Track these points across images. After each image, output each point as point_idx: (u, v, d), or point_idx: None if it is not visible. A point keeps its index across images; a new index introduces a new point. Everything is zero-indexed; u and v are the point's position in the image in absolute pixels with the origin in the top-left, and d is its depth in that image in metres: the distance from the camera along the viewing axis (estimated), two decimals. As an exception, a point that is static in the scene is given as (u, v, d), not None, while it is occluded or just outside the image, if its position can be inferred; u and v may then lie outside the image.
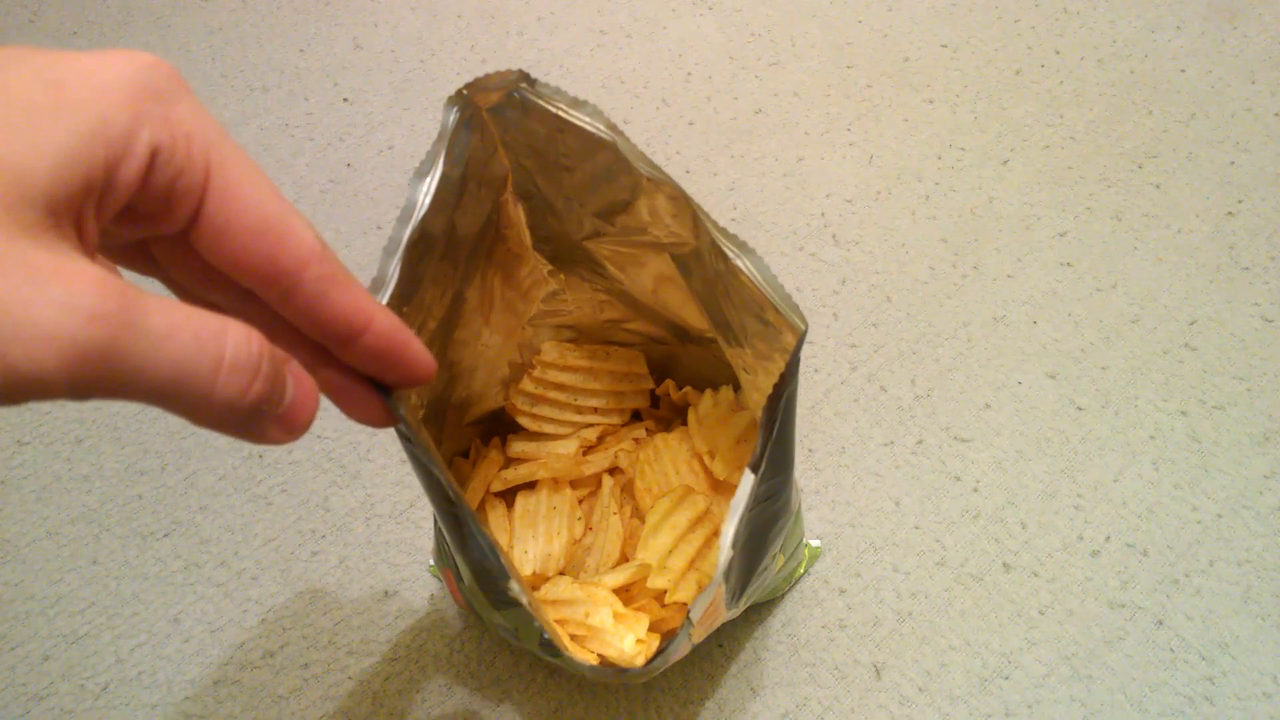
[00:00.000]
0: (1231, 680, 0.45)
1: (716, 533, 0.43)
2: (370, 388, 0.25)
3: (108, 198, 0.17)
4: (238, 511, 0.52)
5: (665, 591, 0.40)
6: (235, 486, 0.53)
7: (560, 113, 0.32)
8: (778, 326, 0.32)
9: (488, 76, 0.31)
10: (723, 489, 0.44)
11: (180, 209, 0.19)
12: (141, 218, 0.19)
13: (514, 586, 0.30)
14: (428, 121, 0.71)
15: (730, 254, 0.32)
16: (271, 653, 0.47)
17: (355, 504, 0.52)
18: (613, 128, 0.32)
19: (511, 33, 0.78)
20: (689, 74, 0.74)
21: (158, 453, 0.54)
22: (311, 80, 0.75)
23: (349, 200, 0.66)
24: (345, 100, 0.73)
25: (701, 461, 0.45)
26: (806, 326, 0.31)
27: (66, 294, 0.15)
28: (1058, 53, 0.74)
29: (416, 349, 0.24)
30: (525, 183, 0.37)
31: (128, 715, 0.45)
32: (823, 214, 0.64)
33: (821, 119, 0.70)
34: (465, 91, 0.31)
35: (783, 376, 0.31)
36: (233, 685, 0.46)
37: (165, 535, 0.51)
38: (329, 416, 0.55)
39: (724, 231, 0.31)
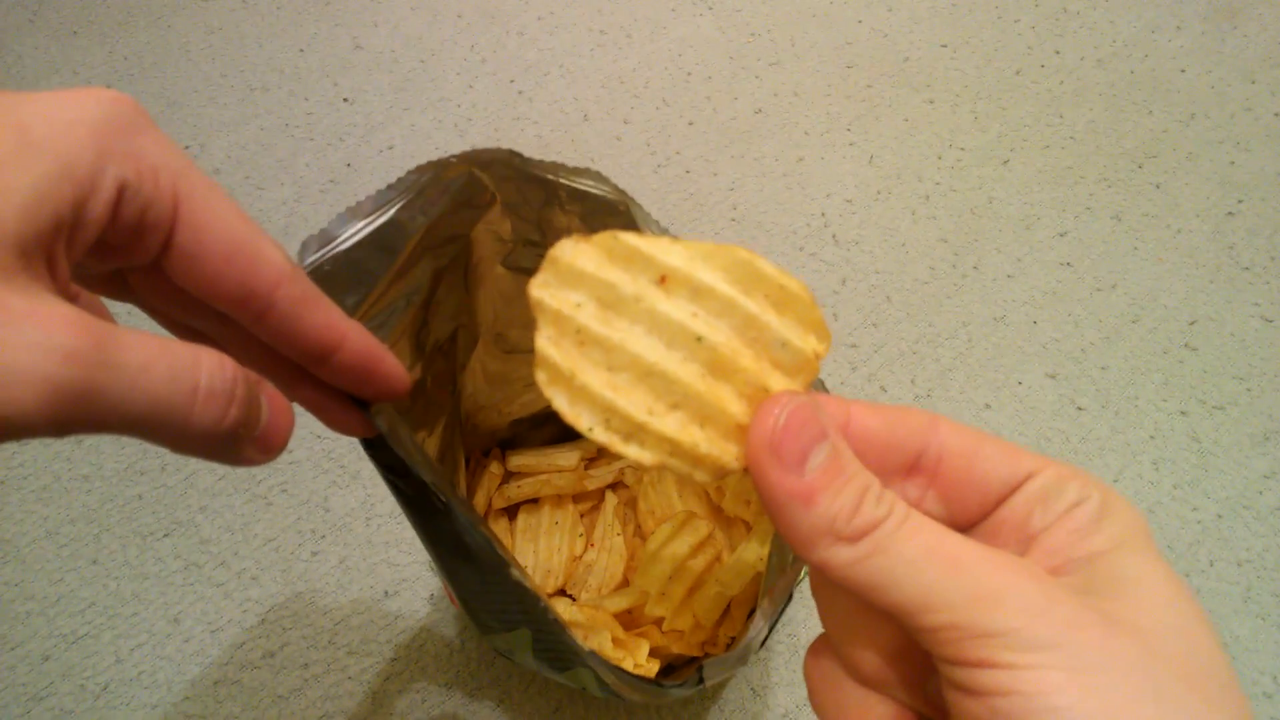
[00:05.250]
0: (1231, 680, 0.45)
1: (718, 558, 0.43)
2: (349, 402, 0.25)
3: (78, 235, 0.17)
4: (238, 511, 0.52)
5: (664, 619, 0.40)
6: (235, 486, 0.53)
7: (564, 180, 0.32)
8: None
9: (477, 150, 0.31)
10: (731, 521, 0.44)
11: (151, 240, 0.19)
12: (113, 250, 0.19)
13: (514, 573, 0.30)
14: (428, 121, 0.71)
15: None
16: (271, 653, 0.47)
17: (355, 504, 0.52)
18: (619, 192, 0.32)
19: (511, 33, 0.78)
20: (689, 74, 0.74)
21: (158, 453, 0.54)
22: (311, 80, 0.75)
23: (349, 200, 0.66)
24: (345, 100, 0.73)
25: (708, 495, 0.44)
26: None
27: (42, 335, 0.15)
28: (1058, 53, 0.74)
29: (390, 364, 0.24)
30: (528, 238, 0.36)
31: (128, 715, 0.45)
32: (823, 214, 0.64)
33: (821, 119, 0.70)
34: (453, 159, 0.30)
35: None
36: (233, 685, 0.46)
37: (165, 535, 0.51)
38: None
39: None
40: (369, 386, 0.24)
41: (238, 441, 0.19)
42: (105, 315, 0.22)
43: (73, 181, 0.17)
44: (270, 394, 0.21)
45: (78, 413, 0.16)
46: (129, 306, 0.23)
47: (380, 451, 0.28)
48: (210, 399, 0.18)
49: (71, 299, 0.17)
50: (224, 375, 0.18)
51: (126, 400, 0.16)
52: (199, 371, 0.18)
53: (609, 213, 0.33)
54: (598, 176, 0.32)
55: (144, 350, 0.17)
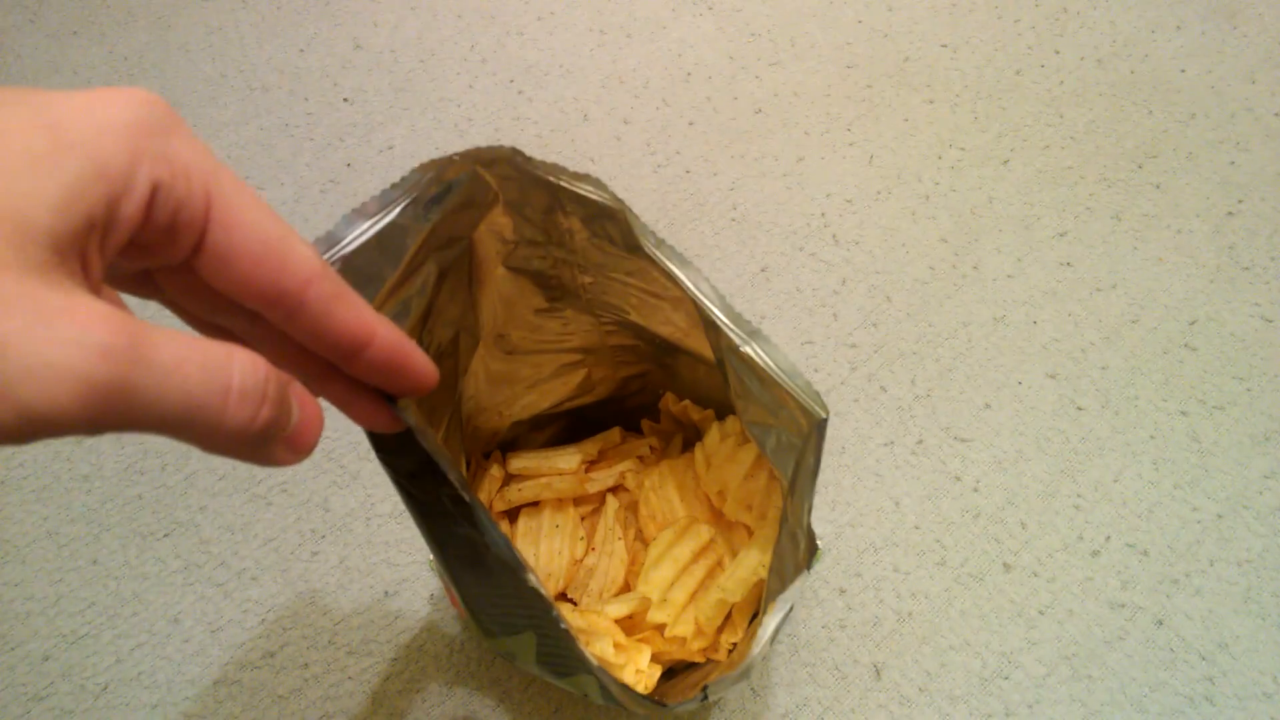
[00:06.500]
0: (1231, 680, 0.45)
1: (720, 564, 0.43)
2: (377, 398, 0.25)
3: (110, 234, 0.18)
4: (238, 511, 0.52)
5: (666, 625, 0.40)
6: (235, 486, 0.53)
7: (564, 184, 0.32)
8: (792, 410, 0.31)
9: (480, 149, 0.31)
10: (733, 525, 0.44)
11: (183, 240, 0.19)
12: (145, 250, 0.19)
13: (531, 577, 0.30)
14: (427, 121, 0.71)
15: (737, 340, 0.30)
16: (271, 653, 0.47)
17: (355, 504, 0.52)
18: (617, 199, 0.32)
19: (511, 33, 0.78)
20: (689, 74, 0.74)
21: (158, 453, 0.54)
22: (311, 80, 0.75)
23: (349, 200, 0.66)
24: (345, 100, 0.73)
25: (710, 501, 0.44)
26: (827, 415, 0.30)
27: (77, 331, 0.15)
28: (1058, 53, 0.74)
29: (419, 359, 0.25)
30: (530, 238, 0.36)
31: (128, 715, 0.45)
32: (823, 214, 0.64)
33: (821, 119, 0.70)
34: (456, 158, 0.30)
35: (794, 477, 0.30)
36: (233, 685, 0.46)
37: (165, 535, 0.51)
38: (329, 416, 0.55)
39: (732, 315, 0.30)
40: (397, 381, 0.24)
41: (269, 441, 0.20)
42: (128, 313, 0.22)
43: (106, 181, 0.17)
44: (300, 394, 0.21)
45: (113, 410, 0.16)
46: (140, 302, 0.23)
47: (394, 456, 0.28)
48: (243, 398, 0.18)
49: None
50: (256, 374, 0.18)
51: (160, 398, 0.16)
52: (232, 370, 0.18)
53: (608, 218, 0.33)
54: (597, 183, 0.32)
55: (177, 349, 0.17)
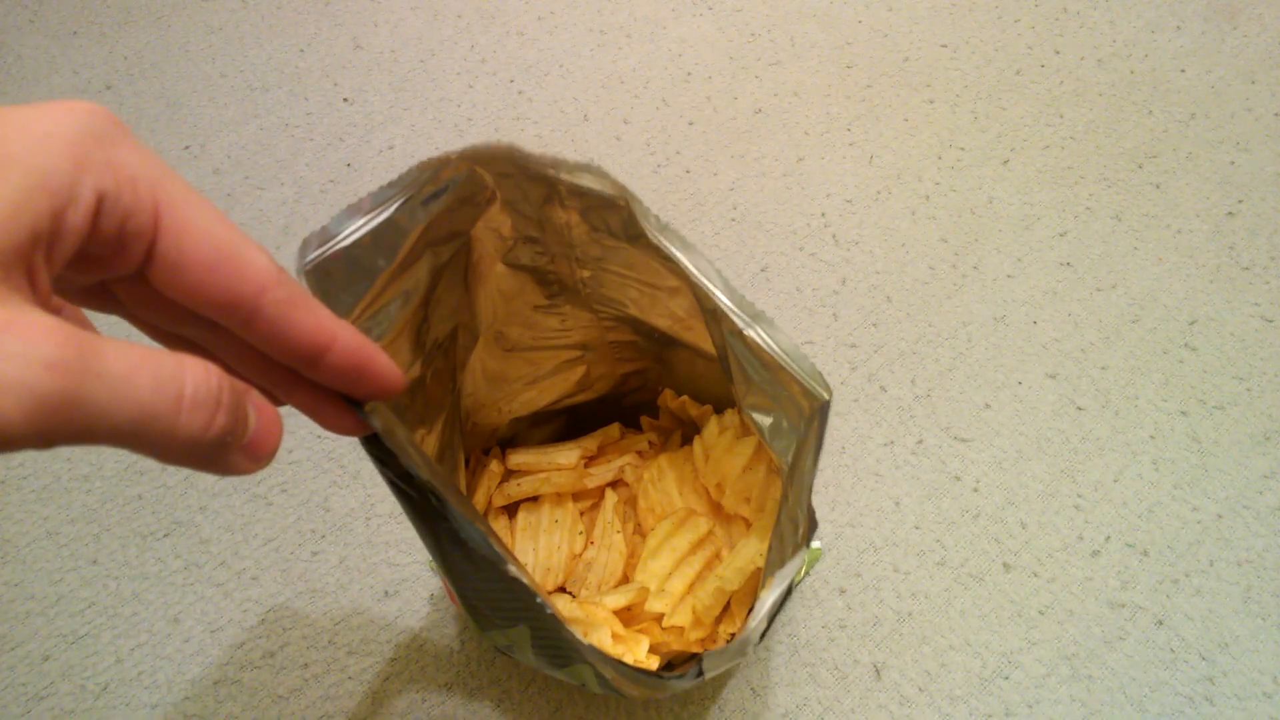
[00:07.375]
0: (1231, 680, 0.45)
1: (718, 555, 0.43)
2: (343, 403, 0.25)
3: (56, 247, 0.17)
4: (238, 511, 0.52)
5: (664, 614, 0.40)
6: (235, 486, 0.53)
7: (564, 176, 0.32)
8: (794, 394, 0.31)
9: (477, 147, 0.31)
10: (731, 518, 0.44)
11: (133, 250, 0.19)
12: (95, 262, 0.19)
13: (511, 569, 0.29)
14: (427, 121, 0.71)
15: (741, 324, 0.30)
16: (271, 653, 0.47)
17: (355, 504, 0.52)
18: (619, 186, 0.32)
19: (511, 33, 0.78)
20: (689, 74, 0.74)
21: (158, 453, 0.54)
22: (311, 80, 0.75)
23: (349, 200, 0.66)
24: (345, 100, 0.73)
25: (708, 493, 0.44)
26: (830, 396, 0.30)
27: (23, 345, 0.15)
28: (1058, 53, 0.74)
29: (382, 363, 0.24)
30: (529, 236, 0.36)
31: (128, 715, 0.45)
32: (823, 214, 0.64)
33: (821, 119, 0.70)
34: (454, 156, 0.30)
35: (795, 460, 0.30)
36: (233, 685, 0.46)
37: (165, 535, 0.51)
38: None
39: (735, 298, 0.30)
40: (361, 386, 0.24)
41: (225, 449, 0.19)
42: (88, 328, 0.22)
43: (49, 193, 0.17)
44: (258, 402, 0.21)
45: (62, 423, 0.16)
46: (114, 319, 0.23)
47: (379, 449, 0.28)
48: (196, 407, 0.18)
49: (54, 312, 0.17)
50: (209, 383, 0.18)
51: (111, 409, 0.16)
52: (184, 379, 0.18)
53: (608, 208, 0.33)
54: (598, 172, 0.32)
55: (127, 359, 0.17)
